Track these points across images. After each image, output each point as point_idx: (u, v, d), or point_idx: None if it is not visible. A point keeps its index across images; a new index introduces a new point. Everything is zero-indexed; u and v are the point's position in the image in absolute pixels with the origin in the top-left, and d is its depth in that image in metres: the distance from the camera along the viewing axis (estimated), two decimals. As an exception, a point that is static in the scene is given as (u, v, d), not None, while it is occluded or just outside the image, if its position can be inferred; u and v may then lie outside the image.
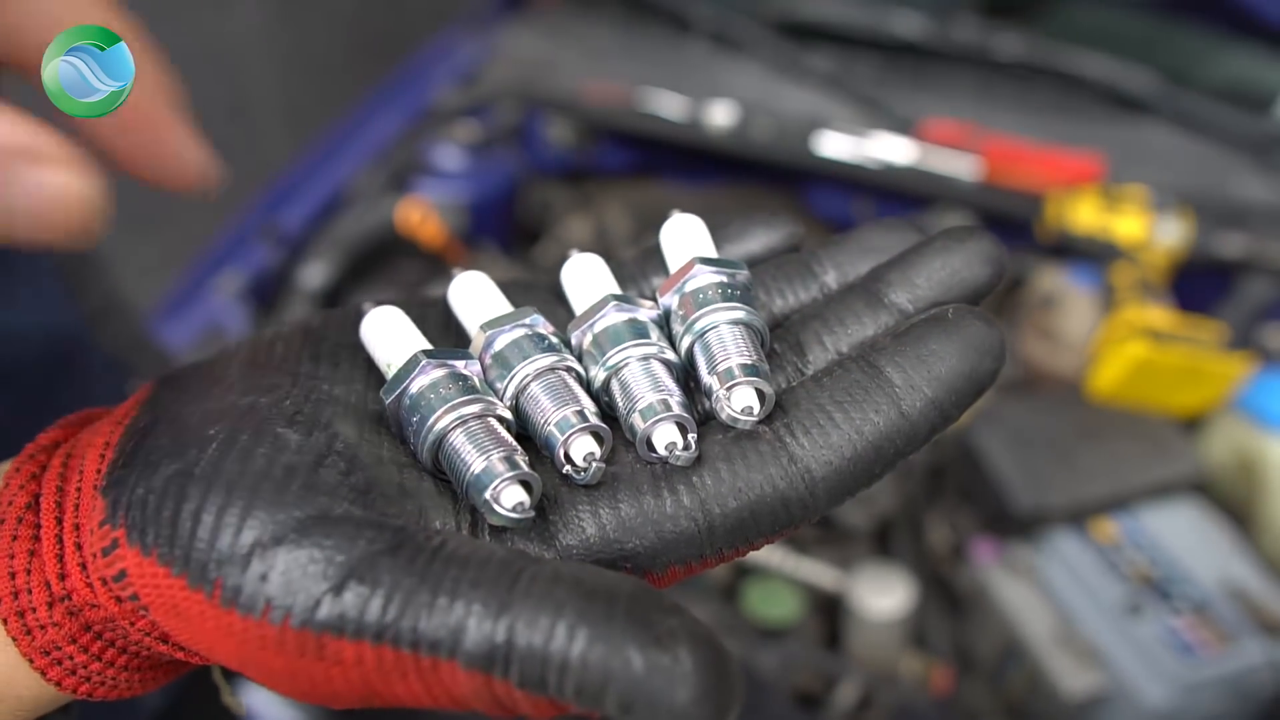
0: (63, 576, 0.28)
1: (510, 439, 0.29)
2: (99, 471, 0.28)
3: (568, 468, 0.29)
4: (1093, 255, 1.21)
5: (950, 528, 1.12)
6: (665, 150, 1.41)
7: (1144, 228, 1.18)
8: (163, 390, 0.30)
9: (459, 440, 0.29)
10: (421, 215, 1.27)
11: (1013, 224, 1.28)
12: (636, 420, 0.29)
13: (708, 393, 0.30)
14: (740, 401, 0.29)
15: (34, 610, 0.28)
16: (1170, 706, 0.94)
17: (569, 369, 0.31)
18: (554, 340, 0.31)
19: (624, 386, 0.30)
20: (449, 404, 0.29)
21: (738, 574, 1.08)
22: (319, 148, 1.40)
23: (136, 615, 0.28)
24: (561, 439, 0.29)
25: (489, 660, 0.24)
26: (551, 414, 0.29)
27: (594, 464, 0.29)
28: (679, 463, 0.29)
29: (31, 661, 0.28)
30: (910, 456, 0.29)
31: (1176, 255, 1.19)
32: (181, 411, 0.29)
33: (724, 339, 0.30)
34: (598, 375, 0.31)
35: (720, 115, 1.35)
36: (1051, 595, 1.03)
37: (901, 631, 1.03)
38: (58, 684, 0.29)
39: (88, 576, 0.28)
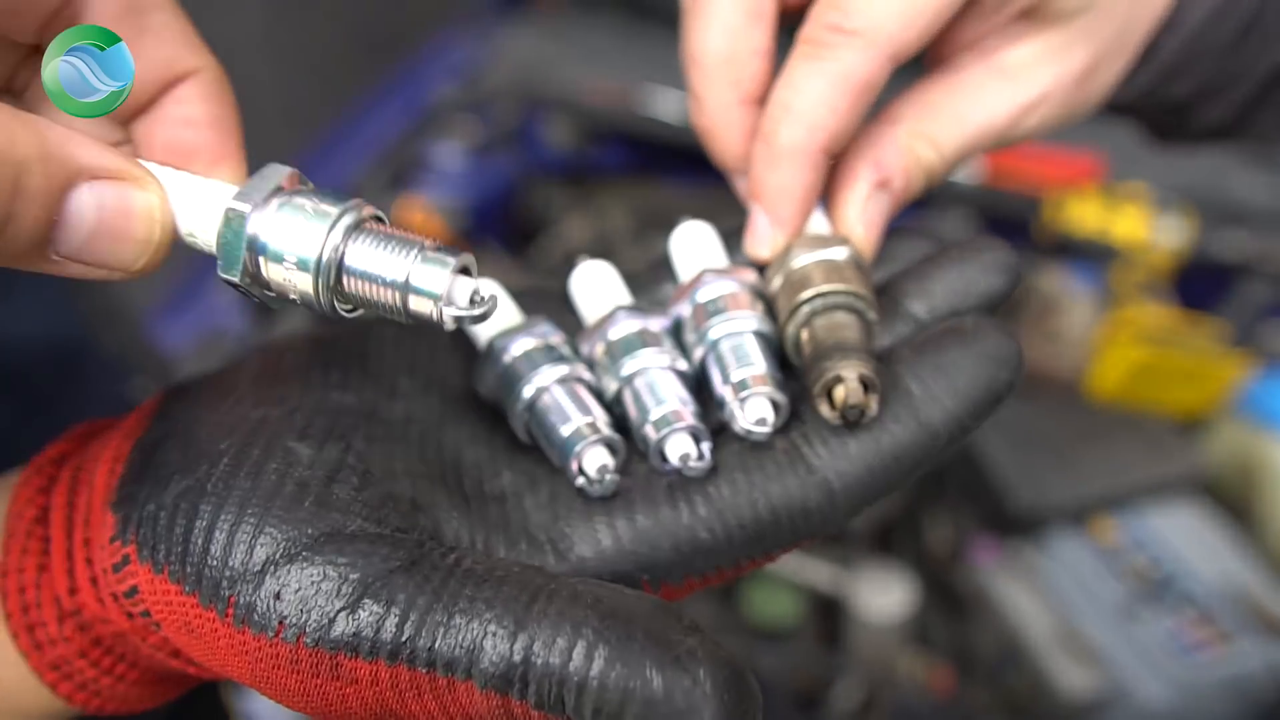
0: (73, 591, 0.28)
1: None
2: (109, 486, 0.28)
3: (581, 480, 0.29)
4: (1093, 255, 1.21)
5: (950, 528, 1.12)
6: (665, 150, 1.41)
7: (1144, 228, 1.18)
8: (171, 402, 0.30)
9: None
10: (424, 216, 1.27)
11: (1013, 224, 1.28)
12: (650, 431, 0.29)
13: (721, 404, 0.30)
14: (754, 412, 0.29)
15: (44, 625, 0.28)
16: (1170, 707, 0.93)
17: (580, 379, 0.30)
18: (565, 351, 0.31)
19: (637, 397, 0.30)
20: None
21: (738, 574, 1.07)
22: (318, 148, 1.40)
23: (148, 631, 0.27)
24: (574, 451, 0.29)
25: (506, 680, 0.24)
26: (564, 426, 0.29)
27: (607, 476, 0.29)
28: (693, 473, 0.29)
29: (41, 676, 0.28)
30: (934, 464, 0.29)
31: (1176, 255, 1.19)
32: (191, 425, 0.29)
33: (737, 349, 0.30)
34: (610, 386, 0.30)
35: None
36: (1051, 595, 1.03)
37: (901, 632, 1.03)
38: (67, 699, 0.28)
39: (98, 592, 0.27)
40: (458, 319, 0.25)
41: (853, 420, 0.28)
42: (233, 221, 0.25)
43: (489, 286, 0.33)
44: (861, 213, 0.34)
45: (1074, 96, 0.36)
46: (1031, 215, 1.25)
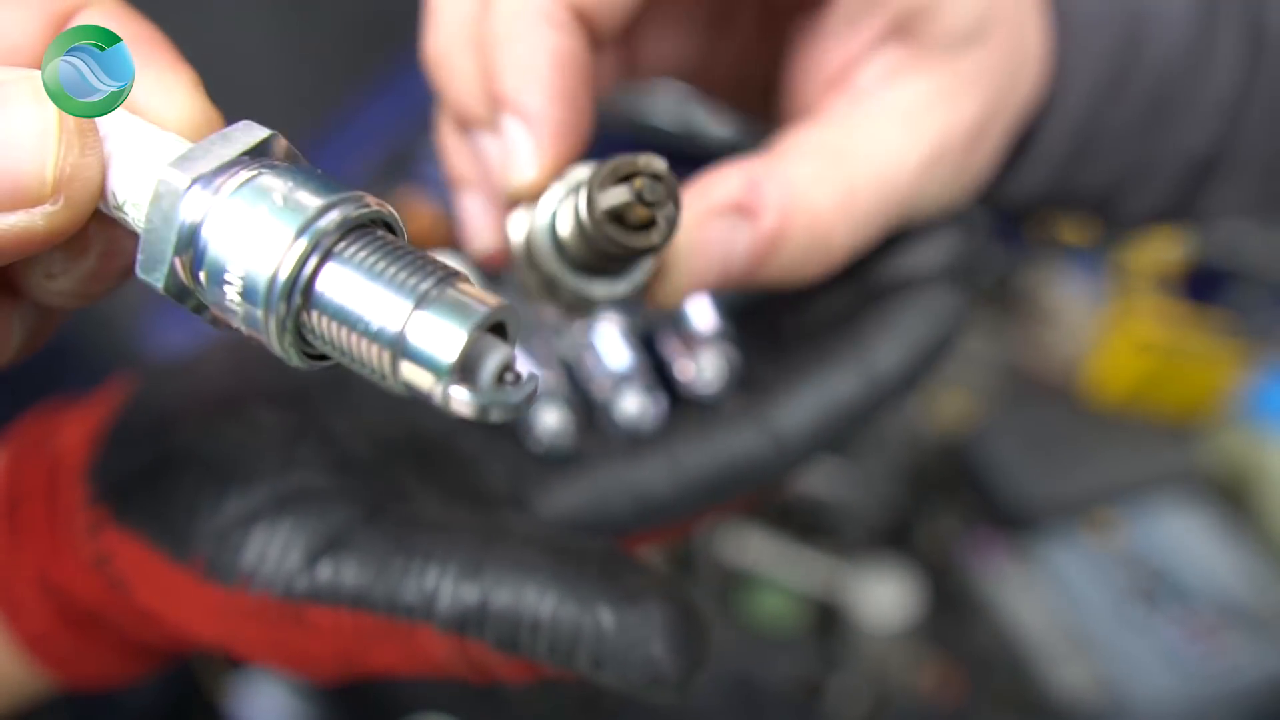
0: (52, 563, 0.28)
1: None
2: (83, 458, 0.29)
3: (539, 439, 0.30)
4: (1093, 255, 1.21)
5: (950, 528, 1.12)
6: (665, 151, 1.40)
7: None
8: (144, 381, 0.31)
9: None
10: (431, 219, 1.27)
11: (1012, 223, 1.28)
12: (605, 391, 0.30)
13: (672, 362, 0.31)
14: (704, 368, 0.30)
15: (23, 597, 0.28)
16: (1170, 707, 0.93)
17: (537, 344, 0.32)
18: (524, 317, 0.32)
19: (593, 361, 0.31)
20: None
21: (736, 578, 1.07)
22: (317, 140, 1.40)
23: (122, 598, 0.28)
24: (533, 412, 0.30)
25: (463, 622, 0.24)
26: None
27: (564, 435, 0.30)
28: (647, 430, 0.30)
29: (21, 648, 0.29)
30: (882, 415, 0.30)
31: (1178, 255, 1.19)
32: (162, 399, 0.29)
33: (688, 312, 0.31)
34: (568, 352, 0.32)
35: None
36: (1051, 596, 1.03)
37: (901, 633, 1.03)
38: (48, 670, 0.29)
39: (74, 561, 0.28)
40: (475, 407, 0.16)
41: (651, 201, 0.23)
42: (163, 199, 0.17)
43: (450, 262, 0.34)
44: (698, 225, 0.26)
45: (966, 158, 0.30)
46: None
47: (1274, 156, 0.35)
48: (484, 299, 0.16)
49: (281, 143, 0.18)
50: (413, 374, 0.16)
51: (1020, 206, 0.35)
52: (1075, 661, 0.98)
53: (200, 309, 0.18)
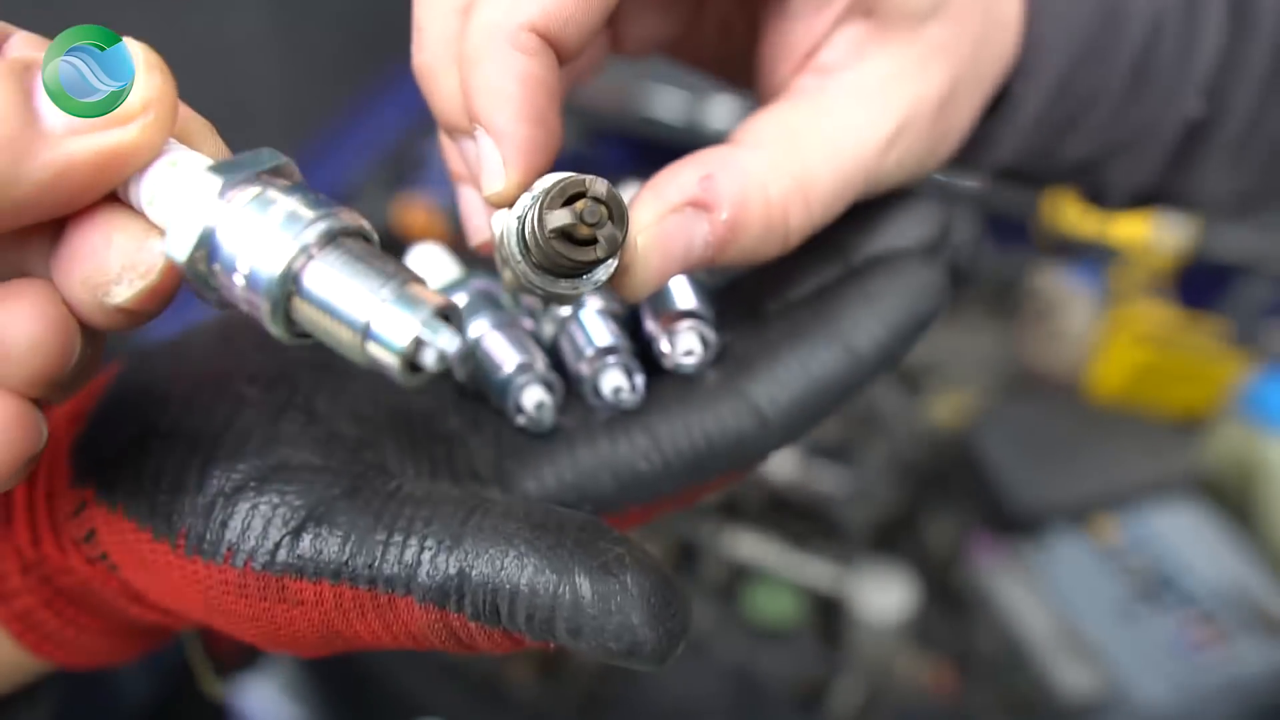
0: (35, 542, 0.28)
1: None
2: (69, 439, 0.29)
3: (521, 418, 0.30)
4: (1093, 255, 1.21)
5: (950, 528, 1.12)
6: (665, 150, 1.40)
7: (1144, 228, 1.18)
8: (133, 363, 0.31)
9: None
10: (427, 218, 1.27)
11: (1012, 224, 1.28)
12: (584, 368, 0.30)
13: (653, 340, 0.31)
14: (684, 345, 0.30)
15: (8, 577, 0.29)
16: (1170, 707, 0.94)
17: (517, 326, 0.32)
18: (503, 300, 0.32)
19: (572, 339, 0.31)
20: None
21: (737, 575, 1.08)
22: (319, 146, 1.40)
23: (108, 576, 0.28)
24: (513, 391, 0.30)
25: (443, 594, 0.24)
26: (502, 369, 0.30)
27: (546, 413, 0.30)
28: (627, 406, 0.30)
29: (7, 628, 0.29)
30: (864, 390, 0.30)
31: (1177, 255, 1.19)
32: (146, 379, 0.29)
33: (668, 289, 0.31)
34: (548, 330, 0.32)
35: (721, 112, 1.35)
36: (1051, 595, 1.03)
37: (901, 631, 1.03)
38: (33, 651, 0.29)
39: (60, 540, 0.28)
40: (422, 378, 0.21)
41: (592, 222, 0.25)
42: (190, 207, 0.21)
43: (431, 250, 0.34)
44: (658, 222, 0.27)
45: (934, 128, 0.31)
46: (1031, 215, 1.25)
47: (1260, 139, 0.35)
48: (432, 298, 0.21)
49: (289, 167, 0.23)
50: (377, 352, 0.21)
51: (1000, 172, 0.36)
52: (1075, 661, 0.98)
53: (211, 292, 0.22)
